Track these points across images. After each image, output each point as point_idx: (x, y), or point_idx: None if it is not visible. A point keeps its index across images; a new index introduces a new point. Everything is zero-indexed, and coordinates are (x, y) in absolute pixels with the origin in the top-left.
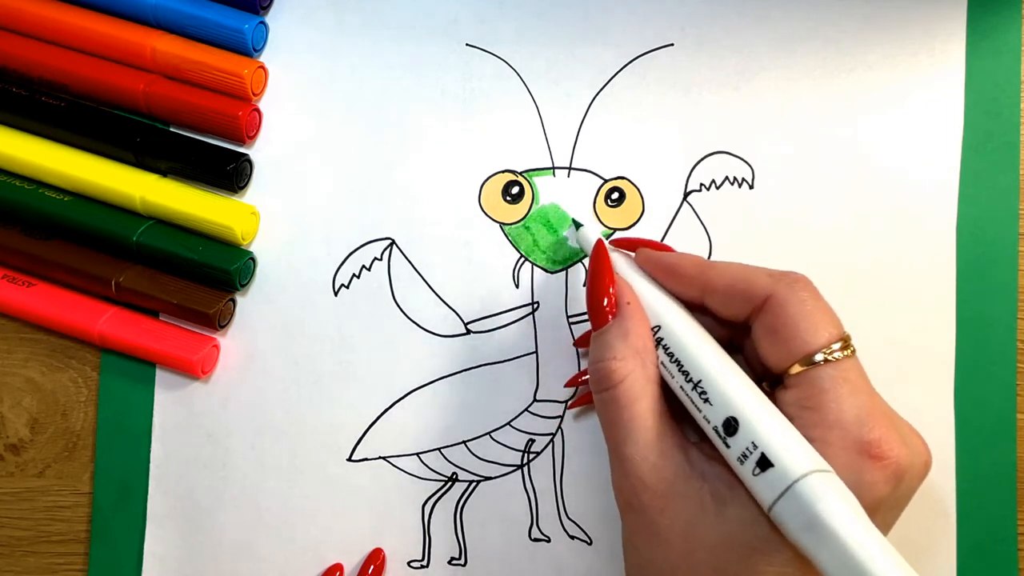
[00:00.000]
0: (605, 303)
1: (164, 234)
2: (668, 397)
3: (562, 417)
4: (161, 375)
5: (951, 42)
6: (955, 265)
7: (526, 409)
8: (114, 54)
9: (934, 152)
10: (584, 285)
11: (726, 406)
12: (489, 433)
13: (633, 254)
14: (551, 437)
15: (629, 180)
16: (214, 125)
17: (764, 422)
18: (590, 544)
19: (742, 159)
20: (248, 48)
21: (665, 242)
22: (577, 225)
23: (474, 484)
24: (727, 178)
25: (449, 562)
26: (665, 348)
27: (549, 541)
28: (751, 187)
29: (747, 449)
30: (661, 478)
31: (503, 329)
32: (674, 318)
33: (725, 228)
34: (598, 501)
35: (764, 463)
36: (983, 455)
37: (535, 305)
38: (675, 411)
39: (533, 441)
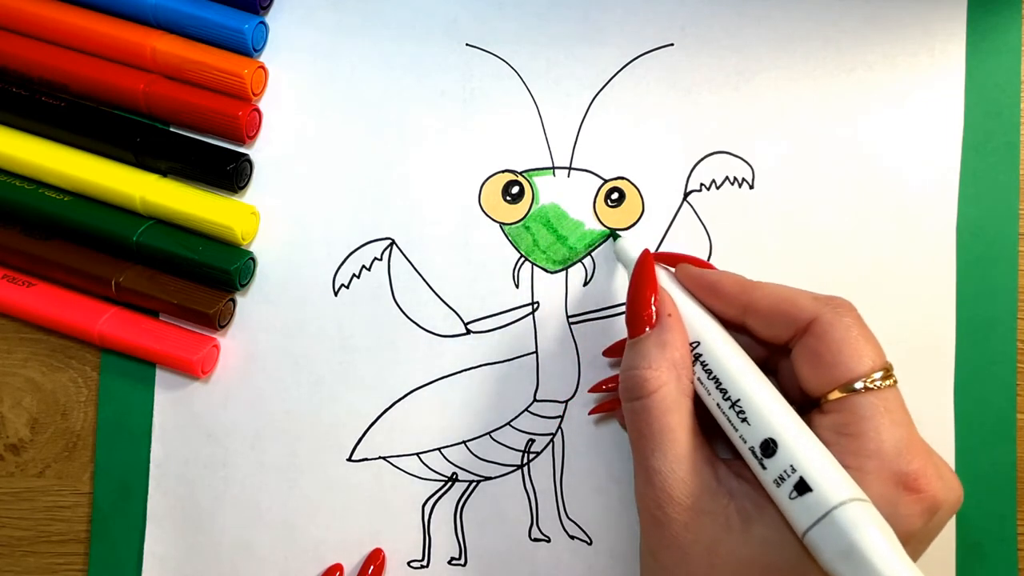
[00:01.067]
0: (645, 313)
1: (164, 234)
2: (698, 412)
3: (562, 417)
4: (161, 375)
5: (951, 42)
6: (955, 265)
7: (526, 409)
8: (114, 54)
9: (934, 152)
10: (584, 285)
11: (765, 427)
12: (489, 433)
13: (673, 269)
14: (551, 437)
15: (629, 180)
16: (214, 125)
17: (804, 446)
18: (590, 544)
19: (742, 159)
20: (248, 48)
21: (666, 242)
22: (614, 236)
23: (474, 484)
24: (727, 178)
25: (449, 562)
26: (703, 365)
27: (549, 541)
28: (751, 187)
29: (785, 472)
30: (688, 493)
31: (503, 329)
32: (714, 336)
33: (725, 228)
34: (598, 501)
35: (802, 487)
36: (983, 455)
37: (535, 305)
38: (704, 426)
39: (533, 441)
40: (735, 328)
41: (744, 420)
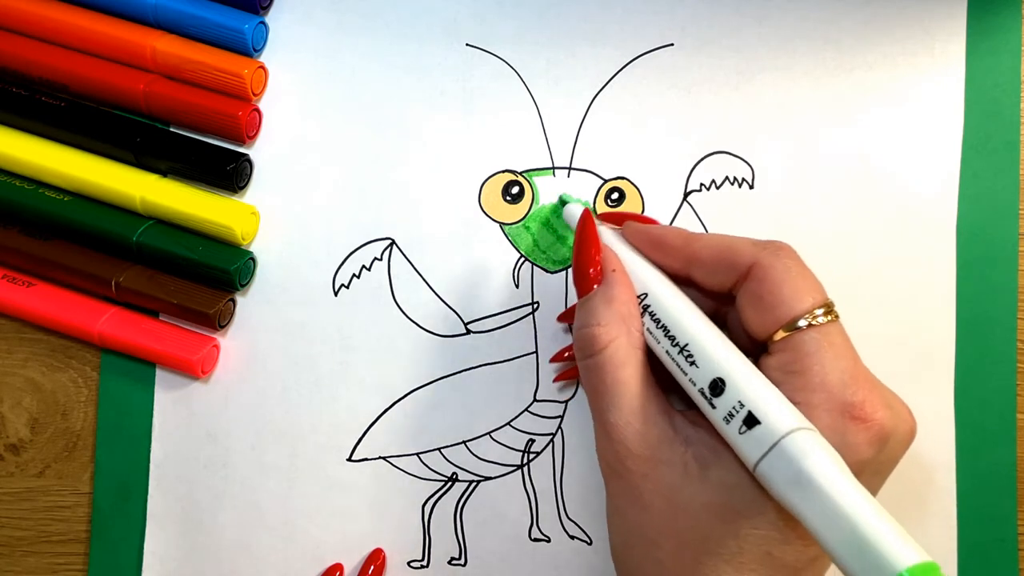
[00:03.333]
0: (591, 271)
1: (164, 234)
2: (654, 367)
3: (562, 417)
4: (161, 375)
5: (951, 42)
6: (955, 265)
7: (526, 409)
8: (114, 54)
9: (934, 152)
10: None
11: (712, 367)
12: (489, 433)
13: (620, 228)
14: (551, 437)
15: (629, 180)
16: (214, 125)
17: (751, 382)
18: (590, 544)
19: (742, 159)
20: (248, 48)
21: None
22: (563, 202)
23: (474, 484)
24: (727, 178)
25: (449, 562)
26: (652, 315)
27: (549, 541)
28: (751, 187)
29: (733, 408)
30: (645, 444)
31: (503, 329)
32: (660, 286)
33: (725, 228)
34: (598, 501)
35: (751, 421)
36: (983, 455)
37: (535, 305)
38: (660, 380)
39: (533, 441)
40: (683, 282)
41: (692, 363)
